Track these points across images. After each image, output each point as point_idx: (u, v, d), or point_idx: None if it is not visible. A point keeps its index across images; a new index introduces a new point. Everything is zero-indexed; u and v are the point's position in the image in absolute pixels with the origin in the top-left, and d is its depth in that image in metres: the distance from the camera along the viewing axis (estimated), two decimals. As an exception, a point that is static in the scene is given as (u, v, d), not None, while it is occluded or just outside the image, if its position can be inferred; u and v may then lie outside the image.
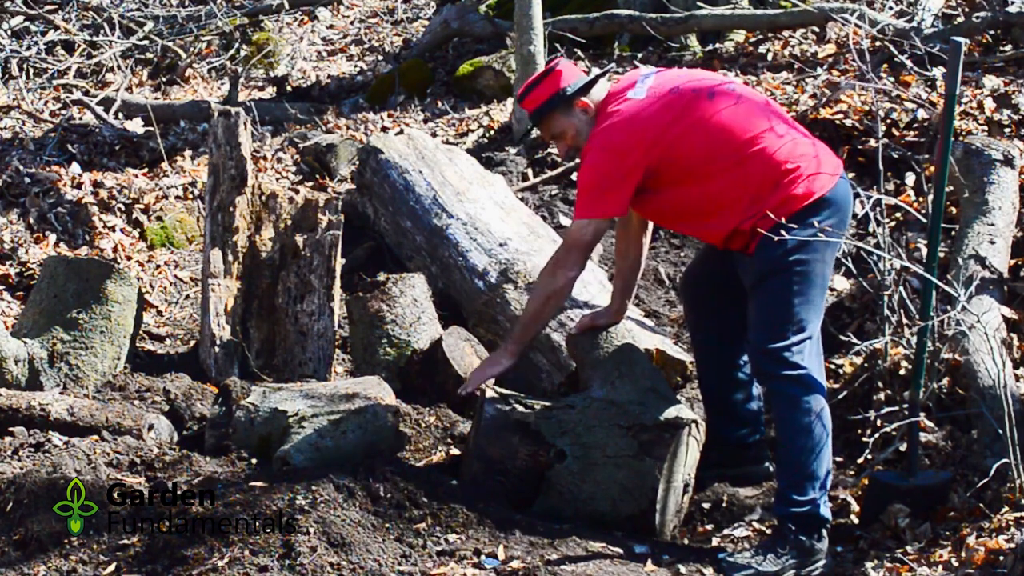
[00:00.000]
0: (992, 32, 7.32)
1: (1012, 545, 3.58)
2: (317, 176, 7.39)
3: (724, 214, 3.98)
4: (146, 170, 7.54)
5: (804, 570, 3.82)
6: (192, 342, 5.59)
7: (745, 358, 4.32)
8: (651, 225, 4.43)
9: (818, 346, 4.00)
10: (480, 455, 4.07)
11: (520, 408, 4.09)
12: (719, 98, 4.03)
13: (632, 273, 4.44)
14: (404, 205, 5.98)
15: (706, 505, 4.34)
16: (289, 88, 9.52)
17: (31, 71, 9.03)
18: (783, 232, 3.82)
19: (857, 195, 4.17)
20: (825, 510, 3.88)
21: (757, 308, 4.00)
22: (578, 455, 4.00)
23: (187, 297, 6.32)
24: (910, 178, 6.01)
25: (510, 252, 5.36)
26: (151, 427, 4.49)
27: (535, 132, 4.37)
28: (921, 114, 6.26)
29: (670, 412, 4.01)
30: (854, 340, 4.50)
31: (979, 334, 4.28)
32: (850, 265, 4.66)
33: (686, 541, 4.16)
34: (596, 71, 4.36)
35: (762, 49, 8.06)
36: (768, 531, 4.12)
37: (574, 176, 6.81)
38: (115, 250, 6.49)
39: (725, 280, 4.17)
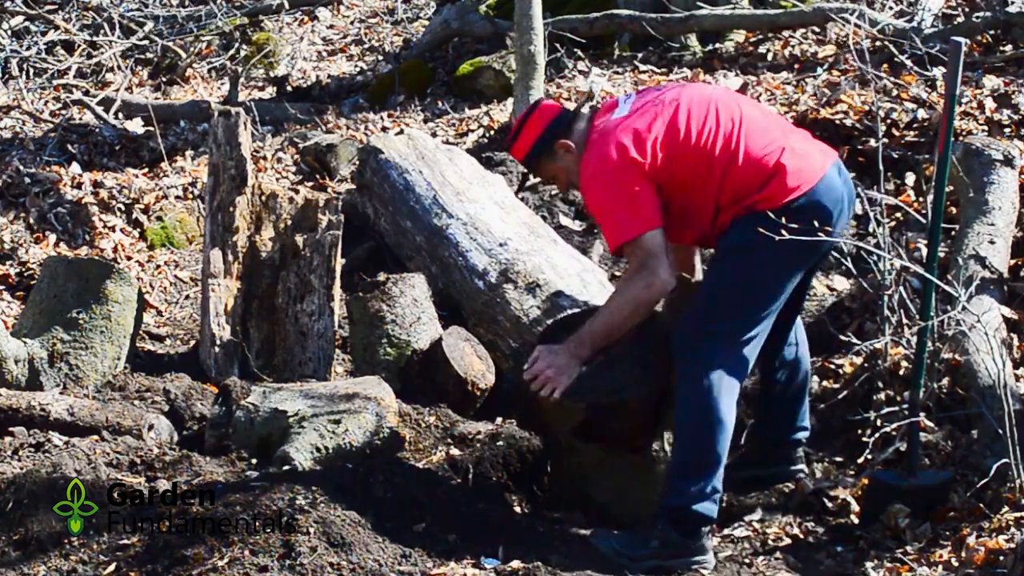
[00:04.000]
0: (992, 32, 7.32)
1: (1012, 545, 3.57)
2: (317, 176, 7.39)
3: (701, 223, 3.91)
4: (146, 170, 7.54)
5: (667, 563, 3.73)
6: (192, 342, 5.59)
7: (785, 356, 4.26)
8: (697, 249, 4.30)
9: (749, 347, 3.86)
10: None
11: None
12: (698, 108, 3.91)
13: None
14: (404, 205, 5.97)
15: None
16: (289, 88, 9.52)
17: (31, 71, 9.02)
18: (750, 222, 3.73)
19: (858, 195, 4.15)
20: (705, 508, 3.76)
21: (702, 288, 3.96)
22: None
23: (187, 297, 6.32)
24: (910, 178, 6.01)
25: (510, 252, 5.36)
26: (151, 427, 4.49)
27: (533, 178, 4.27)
28: (921, 114, 6.27)
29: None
30: (854, 340, 4.50)
31: (979, 334, 4.28)
32: (850, 265, 4.66)
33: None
34: (574, 105, 4.25)
35: (762, 49, 8.07)
36: (763, 534, 4.13)
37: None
38: (115, 250, 6.49)
39: None
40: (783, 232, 3.65)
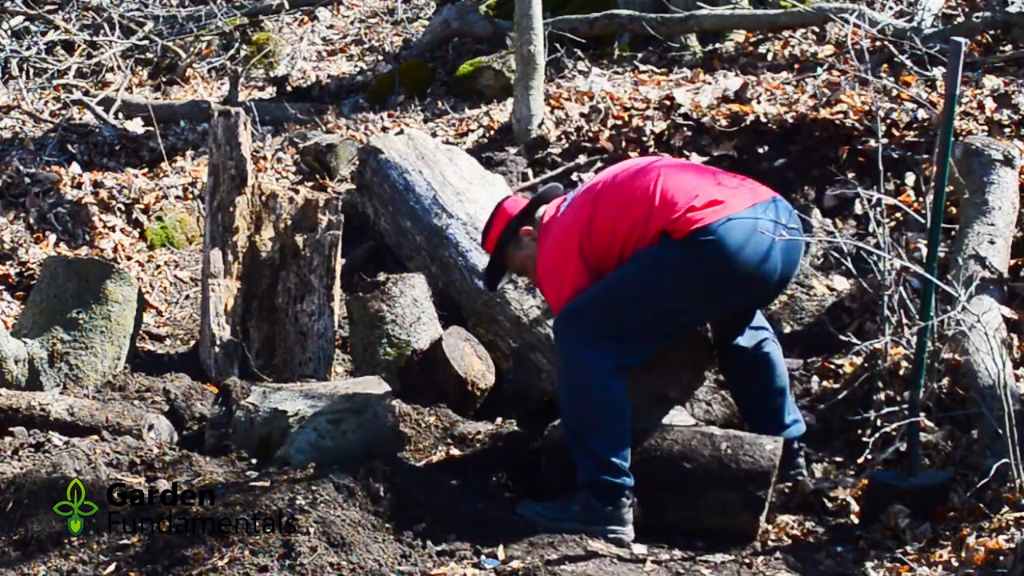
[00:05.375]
0: (992, 32, 7.32)
1: (1012, 545, 3.57)
2: (317, 176, 7.39)
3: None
4: (146, 170, 7.54)
5: (587, 527, 3.89)
6: (192, 342, 5.59)
7: (744, 353, 4.30)
8: None
9: (640, 339, 4.01)
10: None
11: None
12: (623, 174, 4.13)
13: None
14: (404, 205, 5.97)
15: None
16: (289, 88, 9.51)
17: (31, 71, 9.02)
18: (667, 244, 3.93)
19: (857, 195, 4.16)
20: (614, 477, 3.92)
21: (608, 275, 4.10)
22: None
23: (187, 297, 6.32)
24: (910, 178, 6.00)
25: (510, 252, 5.35)
26: (151, 427, 4.49)
27: (507, 278, 4.62)
28: (921, 114, 6.26)
29: None
30: (854, 340, 4.49)
31: (979, 334, 4.28)
32: (850, 265, 4.66)
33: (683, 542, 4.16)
34: (533, 195, 4.51)
35: (762, 49, 8.07)
36: (763, 534, 4.13)
37: (574, 176, 6.81)
38: (115, 250, 6.49)
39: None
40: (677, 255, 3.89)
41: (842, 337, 4.65)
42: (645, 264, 3.98)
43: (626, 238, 4.01)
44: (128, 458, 4.07)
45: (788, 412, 4.34)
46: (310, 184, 7.28)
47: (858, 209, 6.02)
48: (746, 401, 4.41)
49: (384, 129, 7.94)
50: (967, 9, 7.76)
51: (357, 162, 6.77)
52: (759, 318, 4.37)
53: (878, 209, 4.69)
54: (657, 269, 3.95)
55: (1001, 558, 3.56)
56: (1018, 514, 3.78)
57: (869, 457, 4.39)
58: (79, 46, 9.39)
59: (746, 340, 4.31)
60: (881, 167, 4.66)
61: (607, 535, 3.90)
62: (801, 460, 4.35)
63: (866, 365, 4.75)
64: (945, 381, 4.52)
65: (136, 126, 8.26)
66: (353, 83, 9.51)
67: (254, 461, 4.17)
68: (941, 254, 4.62)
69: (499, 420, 4.80)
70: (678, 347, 4.23)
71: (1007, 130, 6.07)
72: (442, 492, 3.97)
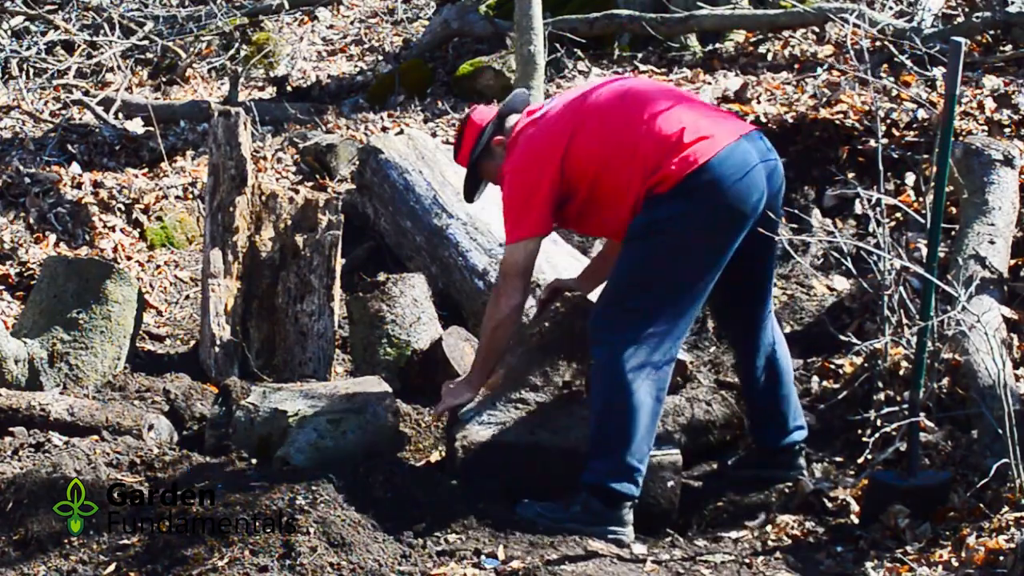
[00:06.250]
0: (992, 32, 7.32)
1: (1012, 545, 3.57)
2: (317, 176, 7.39)
3: (619, 206, 3.98)
4: (146, 170, 7.53)
5: (587, 528, 3.86)
6: (192, 342, 5.59)
7: (761, 359, 4.29)
8: None
9: (664, 330, 3.92)
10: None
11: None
12: (606, 97, 4.05)
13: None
14: (404, 205, 5.98)
15: (705, 507, 4.34)
16: (289, 88, 9.51)
17: (31, 71, 9.02)
18: (648, 206, 3.88)
19: (857, 195, 4.16)
20: (622, 487, 3.88)
21: (613, 270, 4.06)
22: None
23: (187, 297, 6.32)
24: (910, 178, 6.01)
25: (510, 252, 5.35)
26: (151, 427, 4.49)
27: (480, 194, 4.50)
28: (921, 114, 6.26)
29: None
30: (854, 340, 4.49)
31: (979, 334, 4.28)
32: (850, 265, 4.66)
33: (683, 542, 4.16)
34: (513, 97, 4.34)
35: (762, 49, 8.07)
36: (763, 534, 4.13)
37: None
38: (115, 250, 6.49)
39: (732, 278, 4.15)
40: (698, 194, 3.81)
41: (842, 337, 4.64)
42: (642, 242, 3.91)
43: (607, 177, 3.93)
44: (128, 458, 4.07)
45: (794, 418, 4.34)
46: (310, 184, 7.28)
47: (858, 209, 6.02)
48: (754, 405, 4.40)
49: (384, 129, 7.94)
50: (967, 9, 7.76)
51: (357, 162, 6.77)
52: (774, 323, 4.34)
53: (878, 209, 4.69)
54: (657, 234, 3.87)
55: (1001, 558, 3.56)
56: (1018, 514, 3.78)
57: (869, 457, 4.39)
58: (79, 46, 9.39)
59: (762, 347, 4.28)
60: (881, 167, 4.66)
61: (607, 535, 3.89)
62: (802, 461, 4.36)
63: (866, 365, 4.75)
64: (945, 381, 4.51)
65: (136, 126, 8.26)
66: (353, 83, 9.51)
67: (254, 461, 4.17)
68: (941, 254, 4.61)
69: (499, 420, 4.79)
70: (578, 333, 4.19)
71: (1007, 130, 6.07)
72: (442, 492, 3.97)
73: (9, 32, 9.26)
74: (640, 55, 8.29)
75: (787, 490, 4.30)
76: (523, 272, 4.11)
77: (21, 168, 7.15)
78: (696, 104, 4.16)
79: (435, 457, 4.43)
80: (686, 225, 3.87)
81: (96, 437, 4.32)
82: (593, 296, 4.30)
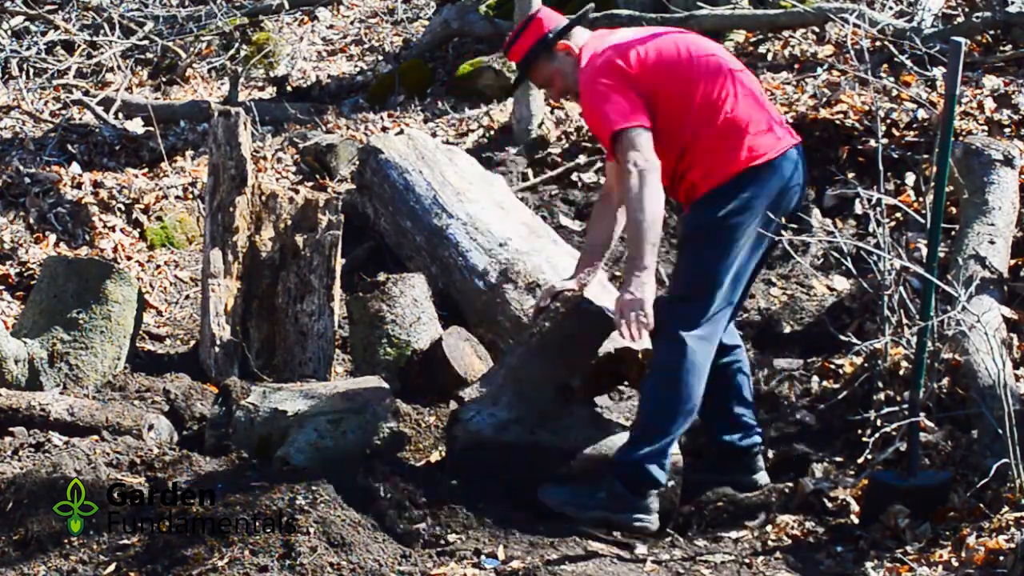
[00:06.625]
0: (992, 32, 7.32)
1: (1012, 545, 3.57)
2: (317, 176, 7.39)
3: (666, 161, 3.96)
4: (146, 170, 7.54)
5: (612, 516, 3.90)
6: (192, 342, 5.59)
7: (737, 363, 4.30)
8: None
9: (721, 316, 4.01)
10: None
11: None
12: (697, 48, 4.08)
13: (603, 248, 4.34)
14: (404, 205, 5.98)
15: (705, 507, 4.34)
16: (289, 88, 9.52)
17: (31, 71, 9.03)
18: (712, 199, 3.93)
19: (857, 195, 4.17)
20: (654, 471, 3.94)
21: (677, 265, 4.12)
22: None
23: (187, 297, 6.32)
24: (910, 178, 6.01)
25: (510, 252, 5.36)
26: (151, 427, 4.49)
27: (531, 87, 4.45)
28: (921, 114, 6.26)
29: None
30: (854, 340, 4.49)
31: (979, 334, 4.28)
32: (850, 265, 4.66)
33: (683, 542, 4.16)
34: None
35: (762, 49, 8.07)
36: (763, 534, 4.13)
37: (574, 176, 6.81)
38: (115, 250, 6.49)
39: None
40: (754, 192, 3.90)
41: (842, 337, 4.64)
42: (704, 234, 3.97)
43: (679, 130, 3.95)
44: (128, 458, 4.07)
45: (753, 419, 4.37)
46: (310, 184, 7.28)
47: (858, 209, 6.02)
48: (715, 406, 4.32)
49: (384, 129, 7.95)
50: (967, 9, 7.76)
51: (357, 162, 6.77)
52: (734, 331, 4.36)
53: (878, 209, 4.69)
54: (722, 225, 3.93)
55: (1001, 558, 3.56)
56: (1018, 514, 3.78)
57: (869, 457, 4.39)
58: (79, 46, 9.40)
59: (727, 349, 4.27)
60: (881, 167, 4.66)
61: (632, 523, 3.91)
62: (761, 463, 4.37)
63: (866, 365, 4.75)
64: (945, 381, 4.51)
65: (136, 126, 8.26)
66: (353, 83, 9.51)
67: (254, 461, 4.17)
68: (941, 254, 4.61)
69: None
70: (578, 334, 4.20)
71: (1007, 130, 6.07)
72: (442, 492, 3.97)
73: (9, 32, 9.27)
74: (640, 55, 8.29)
75: (787, 490, 4.30)
76: (645, 148, 3.88)
77: (21, 168, 7.15)
78: (767, 102, 4.19)
79: (435, 457, 4.43)
80: (751, 212, 3.94)
81: (96, 437, 4.32)
82: (592, 291, 4.26)
